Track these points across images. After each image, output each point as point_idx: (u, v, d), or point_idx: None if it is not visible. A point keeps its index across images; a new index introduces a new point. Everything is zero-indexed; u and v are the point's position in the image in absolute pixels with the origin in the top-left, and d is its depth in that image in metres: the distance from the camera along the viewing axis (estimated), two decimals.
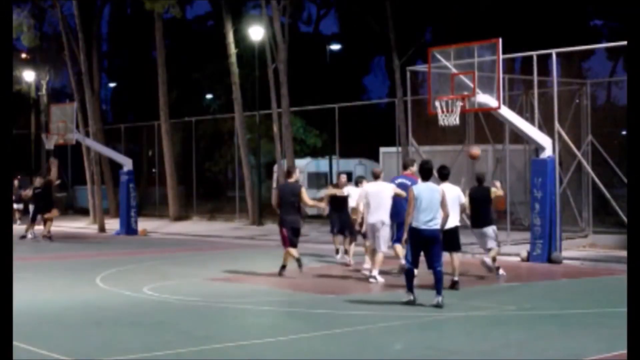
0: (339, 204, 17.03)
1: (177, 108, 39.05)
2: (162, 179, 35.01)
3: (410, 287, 11.33)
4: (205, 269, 15.89)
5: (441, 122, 16.25)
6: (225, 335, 9.67)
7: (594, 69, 49.60)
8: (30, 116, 43.90)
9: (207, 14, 52.37)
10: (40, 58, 42.20)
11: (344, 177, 17.75)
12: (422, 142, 21.16)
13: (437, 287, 11.20)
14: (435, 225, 11.11)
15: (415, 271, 11.46)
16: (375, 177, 14.37)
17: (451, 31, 34.05)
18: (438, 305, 10.99)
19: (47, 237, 23.69)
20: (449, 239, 12.67)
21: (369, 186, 14.43)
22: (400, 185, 14.01)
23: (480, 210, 14.39)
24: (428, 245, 11.13)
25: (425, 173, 11.44)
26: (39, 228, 24.37)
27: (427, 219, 11.05)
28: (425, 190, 11.17)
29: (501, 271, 14.50)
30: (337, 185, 17.73)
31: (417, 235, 11.10)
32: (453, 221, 12.76)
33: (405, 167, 14.79)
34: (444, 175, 12.91)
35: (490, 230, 14.47)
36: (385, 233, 14.06)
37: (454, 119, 16.09)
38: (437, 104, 16.27)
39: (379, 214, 13.88)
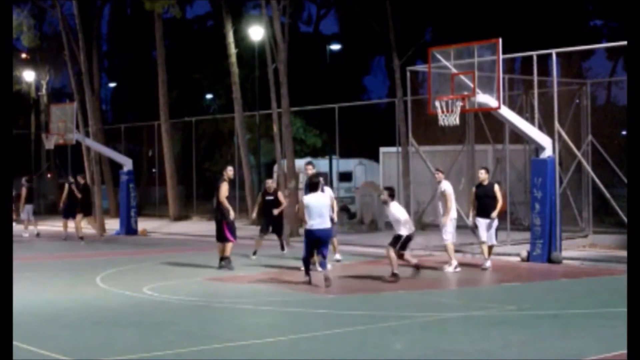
0: (269, 208, 18.19)
1: (177, 108, 39.06)
2: (162, 179, 35.01)
3: (307, 271, 13.78)
4: (205, 269, 15.88)
5: (441, 122, 16.25)
6: (225, 335, 9.67)
7: (594, 69, 49.65)
8: (30, 116, 43.89)
9: (207, 14, 52.43)
10: (40, 58, 42.18)
11: (269, 181, 19.15)
12: (422, 142, 21.13)
13: (322, 262, 13.65)
14: (326, 225, 13.59)
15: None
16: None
17: (451, 31, 34.01)
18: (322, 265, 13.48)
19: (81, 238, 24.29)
20: None
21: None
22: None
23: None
24: (320, 242, 13.59)
25: (313, 186, 13.85)
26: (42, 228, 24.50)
27: (318, 221, 13.45)
28: (313, 199, 13.62)
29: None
30: (266, 191, 18.50)
31: (311, 235, 13.54)
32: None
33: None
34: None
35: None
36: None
37: (454, 119, 16.09)
38: (437, 104, 16.26)
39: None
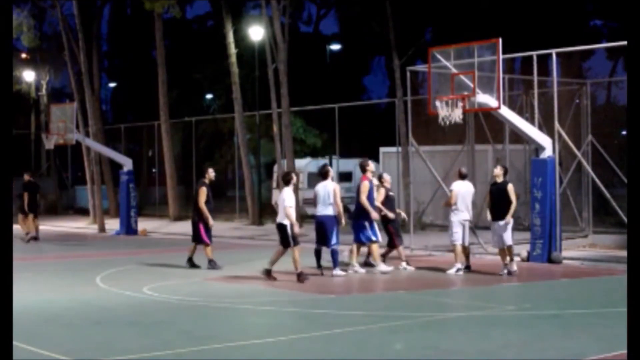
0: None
1: (177, 108, 39.06)
2: (162, 179, 35.01)
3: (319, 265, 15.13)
4: (204, 270, 15.88)
5: (441, 121, 16.21)
6: (225, 335, 9.67)
7: (594, 69, 49.74)
8: (30, 116, 43.92)
9: (207, 14, 52.46)
10: (40, 58, 42.21)
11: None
12: (422, 142, 21.13)
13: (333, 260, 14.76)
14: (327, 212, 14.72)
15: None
16: (462, 176, 15.47)
17: (451, 31, 34.02)
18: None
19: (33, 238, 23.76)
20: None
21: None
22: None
23: None
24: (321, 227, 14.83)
25: (324, 175, 14.95)
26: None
27: (320, 208, 14.74)
28: (320, 187, 14.87)
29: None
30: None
31: (316, 221, 15.14)
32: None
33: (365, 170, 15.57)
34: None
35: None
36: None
37: (456, 117, 15.99)
38: (437, 104, 16.25)
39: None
